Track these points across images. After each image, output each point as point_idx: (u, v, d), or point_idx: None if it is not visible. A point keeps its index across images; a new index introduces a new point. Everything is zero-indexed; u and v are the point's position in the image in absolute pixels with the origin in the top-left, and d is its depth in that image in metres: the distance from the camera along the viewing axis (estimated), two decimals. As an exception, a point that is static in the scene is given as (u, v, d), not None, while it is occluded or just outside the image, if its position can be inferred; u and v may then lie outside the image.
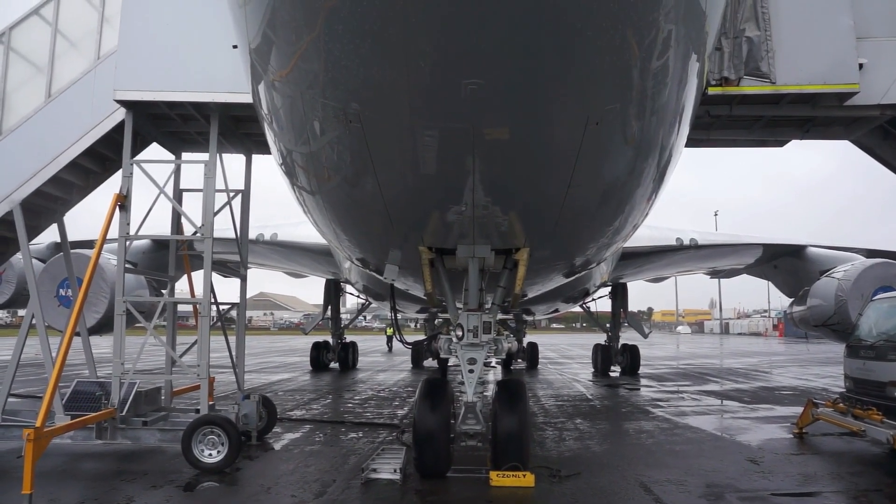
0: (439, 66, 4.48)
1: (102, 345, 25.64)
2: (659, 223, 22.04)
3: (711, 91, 8.79)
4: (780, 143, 11.38)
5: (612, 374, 27.92)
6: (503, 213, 6.73)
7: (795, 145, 11.47)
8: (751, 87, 8.88)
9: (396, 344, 16.36)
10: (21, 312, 20.08)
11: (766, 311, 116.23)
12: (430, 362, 32.85)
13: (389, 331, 50.23)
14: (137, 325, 10.82)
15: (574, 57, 4.48)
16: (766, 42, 8.80)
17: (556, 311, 31.55)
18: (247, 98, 7.32)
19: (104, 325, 14.34)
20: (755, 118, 10.39)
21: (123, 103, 9.90)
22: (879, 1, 9.59)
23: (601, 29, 4.29)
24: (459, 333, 8.28)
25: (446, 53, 4.35)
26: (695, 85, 6.03)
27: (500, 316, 9.64)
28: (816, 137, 11.10)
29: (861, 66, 9.29)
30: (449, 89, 4.61)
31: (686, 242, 23.06)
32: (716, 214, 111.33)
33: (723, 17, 8.11)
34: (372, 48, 4.42)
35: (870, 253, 21.45)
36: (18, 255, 12.31)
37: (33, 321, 10.18)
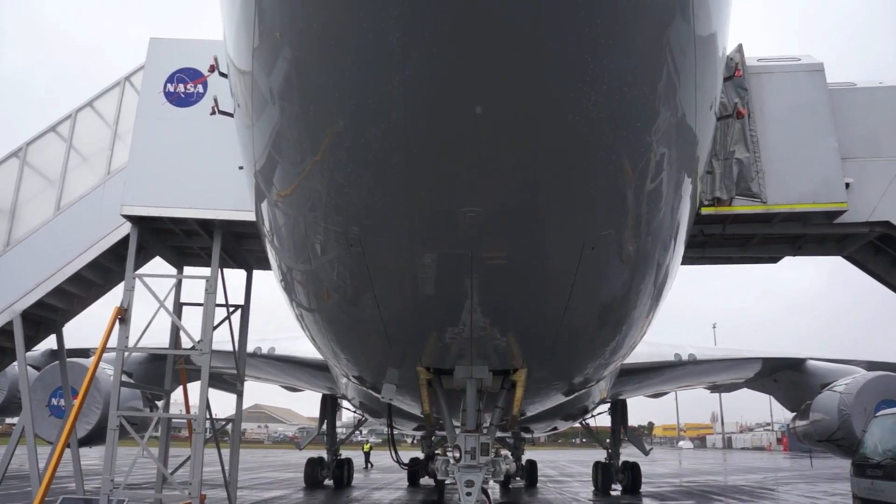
0: (439, 195, 4.64)
1: (91, 455, 24.95)
2: (657, 339, 21.94)
3: (704, 211, 9.03)
4: (774, 260, 11.58)
5: (613, 493, 27.05)
6: (501, 335, 6.76)
7: (791, 257, 11.65)
8: (742, 206, 9.13)
9: (374, 459, 15.79)
10: (9, 420, 19.68)
11: (769, 424, 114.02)
12: (426, 480, 31.92)
13: (367, 447, 49.19)
14: (130, 436, 10.64)
15: (569, 185, 4.64)
16: (756, 163, 9.11)
17: (556, 428, 30.92)
18: (250, 216, 7.51)
19: (94, 437, 14.09)
20: (748, 236, 10.60)
21: (130, 218, 10.13)
22: (860, 124, 10.02)
23: (595, 157, 4.48)
24: (457, 455, 8.12)
25: (446, 182, 4.52)
26: (688, 206, 6.19)
27: (498, 434, 9.48)
28: (809, 254, 11.30)
29: (847, 185, 9.58)
30: (449, 216, 4.76)
31: (685, 358, 22.88)
32: (714, 327, 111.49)
33: (713, 140, 8.43)
34: (374, 176, 4.59)
35: (870, 365, 21.28)
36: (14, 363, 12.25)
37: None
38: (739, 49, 9.35)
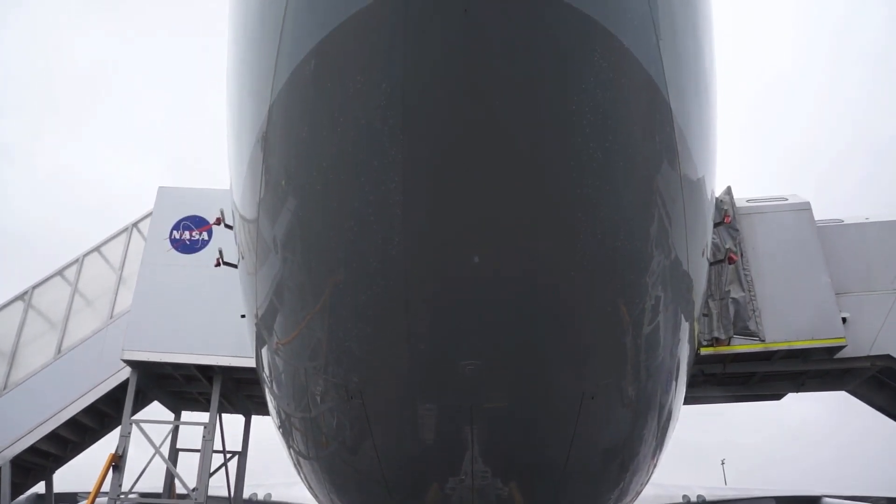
0: (439, 348, 4.69)
1: None
2: (664, 480, 21.21)
3: (703, 351, 9.05)
4: (778, 397, 11.46)
5: None
6: (503, 484, 6.62)
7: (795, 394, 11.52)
8: (741, 346, 9.17)
9: None
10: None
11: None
12: None
13: None
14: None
15: (566, 336, 4.70)
16: (752, 302, 9.22)
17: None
18: (249, 362, 7.52)
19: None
20: (749, 374, 10.54)
21: (130, 363, 10.10)
22: (852, 259, 10.21)
23: (591, 307, 4.56)
24: None
25: (445, 336, 4.59)
26: (687, 348, 6.22)
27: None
28: (812, 390, 11.19)
29: (844, 319, 9.64)
30: (448, 369, 4.79)
31: (693, 500, 22.02)
32: (723, 463, 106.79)
33: (708, 281, 8.57)
34: (374, 328, 4.66)
35: (890, 502, 20.49)
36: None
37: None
38: (728, 191, 9.69)
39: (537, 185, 3.77)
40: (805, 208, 10.18)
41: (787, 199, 10.34)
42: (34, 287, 11.70)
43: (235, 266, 6.25)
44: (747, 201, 10.09)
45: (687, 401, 8.39)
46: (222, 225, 7.11)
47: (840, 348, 9.61)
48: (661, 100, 3.79)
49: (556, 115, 3.54)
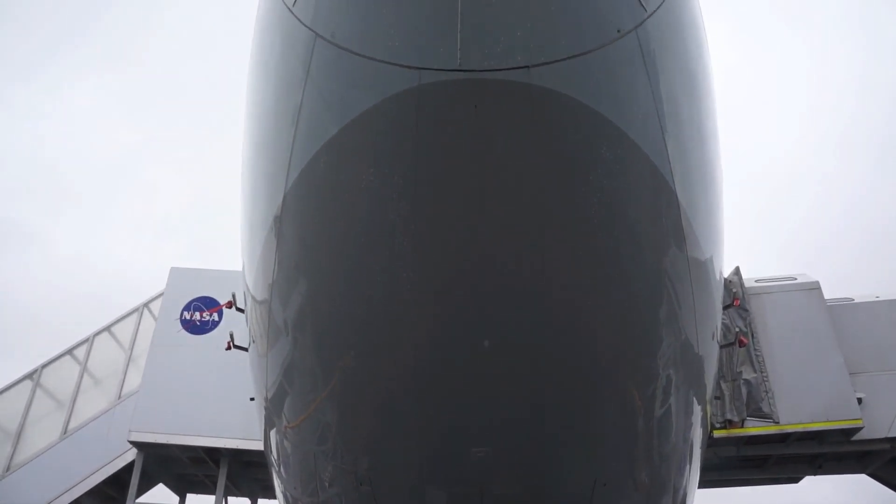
0: (449, 435, 4.66)
1: None
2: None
3: (717, 434, 8.92)
4: (795, 480, 11.19)
5: None
6: None
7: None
8: (755, 428, 9.02)
9: None
10: None
11: None
12: None
13: None
14: None
15: (577, 422, 4.67)
16: (765, 383, 9.13)
17: None
18: (257, 445, 7.43)
19: None
20: (765, 457, 10.33)
21: (137, 444, 10.01)
22: (865, 338, 10.12)
23: (601, 394, 4.55)
24: None
25: (455, 423, 4.56)
26: (699, 432, 6.13)
27: None
28: (830, 472, 10.93)
29: (860, 400, 9.49)
30: (458, 457, 4.74)
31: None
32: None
33: (719, 363, 8.52)
34: (384, 414, 4.65)
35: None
36: None
37: None
38: (737, 272, 9.73)
39: (549, 273, 3.83)
40: (814, 287, 10.17)
41: (796, 279, 10.35)
42: (43, 366, 11.71)
43: (246, 349, 6.28)
44: (756, 281, 10.11)
45: (702, 485, 8.22)
46: (233, 308, 7.17)
47: (857, 430, 9.43)
48: (667, 188, 3.88)
49: (565, 205, 3.63)
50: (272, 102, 4.13)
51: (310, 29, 3.40)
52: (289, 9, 3.52)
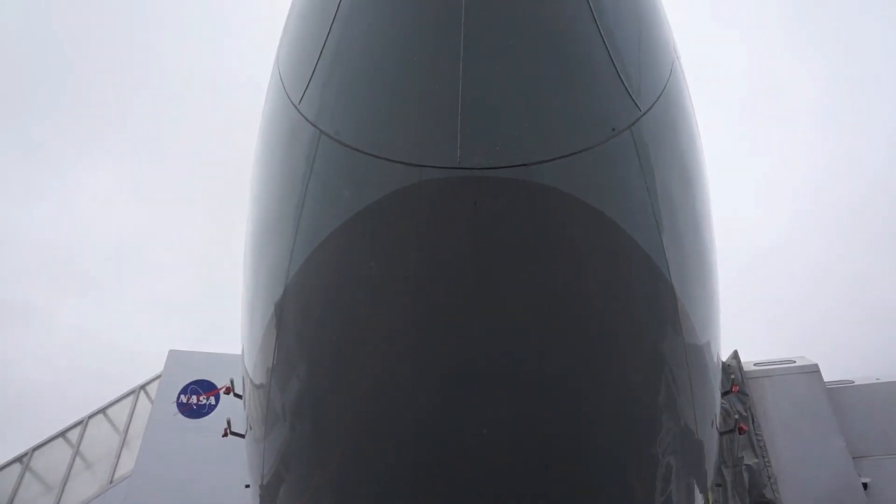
0: None
1: None
2: None
3: (720, 522, 8.74)
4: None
5: None
6: None
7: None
8: (759, 515, 8.85)
9: None
10: None
11: None
12: None
13: None
14: None
15: None
16: (767, 469, 9.00)
17: None
18: (254, 534, 7.25)
19: None
20: (771, 546, 10.10)
21: (127, 530, 9.78)
22: (866, 421, 10.03)
23: (602, 485, 4.49)
24: None
25: None
26: None
27: None
28: (837, 560, 10.64)
29: (866, 485, 9.34)
30: None
31: None
32: None
33: (719, 449, 8.43)
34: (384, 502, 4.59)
35: None
36: None
37: None
38: (735, 356, 9.73)
39: (547, 363, 3.87)
40: (814, 370, 10.15)
41: (794, 362, 10.34)
42: (34, 449, 11.53)
43: (242, 436, 6.23)
44: (755, 365, 10.09)
45: (707, 576, 8.02)
46: (231, 394, 7.15)
47: (863, 516, 9.26)
48: (663, 279, 3.96)
49: (563, 297, 3.70)
50: (276, 194, 4.25)
51: (314, 126, 3.54)
52: (294, 105, 3.67)
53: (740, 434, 8.74)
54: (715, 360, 5.45)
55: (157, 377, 11.03)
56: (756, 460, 8.98)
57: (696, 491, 5.60)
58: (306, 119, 3.57)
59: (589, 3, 3.27)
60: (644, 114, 3.49)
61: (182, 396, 10.38)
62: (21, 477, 11.24)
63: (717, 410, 6.08)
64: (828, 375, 10.38)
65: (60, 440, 11.65)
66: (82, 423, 11.56)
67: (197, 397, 10.37)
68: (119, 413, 11.55)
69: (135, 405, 11.37)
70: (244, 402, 6.05)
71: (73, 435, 11.57)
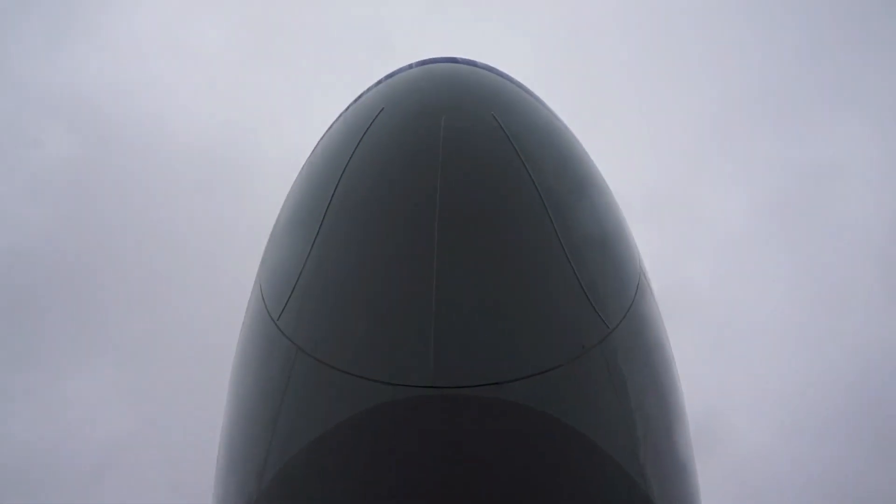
0: None
1: None
2: None
3: None
4: None
5: None
6: None
7: None
8: None
9: None
10: None
11: None
12: None
13: None
14: None
15: None
16: None
17: None
18: None
19: None
20: None
21: None
22: None
23: None
24: None
25: None
26: None
27: None
28: None
29: None
30: None
31: None
32: None
33: None
34: None
35: None
36: None
37: None
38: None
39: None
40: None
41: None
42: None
43: None
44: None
45: None
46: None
47: None
48: (639, 492, 3.91)
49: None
50: (252, 405, 4.24)
51: (292, 342, 3.62)
52: (273, 321, 3.77)
53: None
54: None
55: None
56: None
57: None
58: (284, 334, 3.66)
59: (553, 222, 3.45)
60: (612, 330, 3.59)
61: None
62: None
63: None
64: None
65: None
66: None
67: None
68: None
69: None
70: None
71: None
